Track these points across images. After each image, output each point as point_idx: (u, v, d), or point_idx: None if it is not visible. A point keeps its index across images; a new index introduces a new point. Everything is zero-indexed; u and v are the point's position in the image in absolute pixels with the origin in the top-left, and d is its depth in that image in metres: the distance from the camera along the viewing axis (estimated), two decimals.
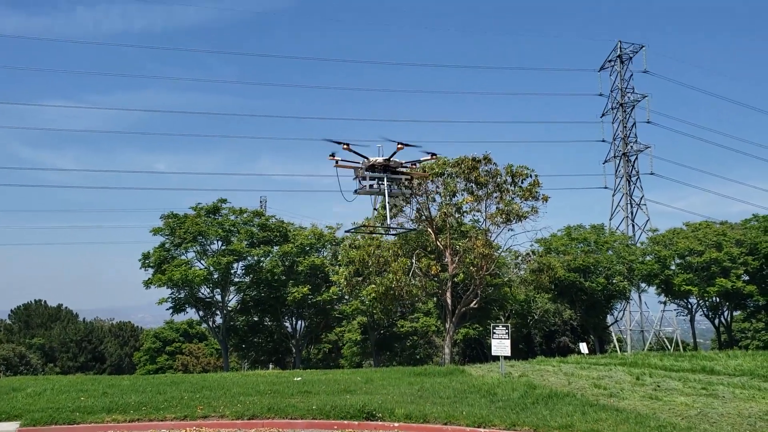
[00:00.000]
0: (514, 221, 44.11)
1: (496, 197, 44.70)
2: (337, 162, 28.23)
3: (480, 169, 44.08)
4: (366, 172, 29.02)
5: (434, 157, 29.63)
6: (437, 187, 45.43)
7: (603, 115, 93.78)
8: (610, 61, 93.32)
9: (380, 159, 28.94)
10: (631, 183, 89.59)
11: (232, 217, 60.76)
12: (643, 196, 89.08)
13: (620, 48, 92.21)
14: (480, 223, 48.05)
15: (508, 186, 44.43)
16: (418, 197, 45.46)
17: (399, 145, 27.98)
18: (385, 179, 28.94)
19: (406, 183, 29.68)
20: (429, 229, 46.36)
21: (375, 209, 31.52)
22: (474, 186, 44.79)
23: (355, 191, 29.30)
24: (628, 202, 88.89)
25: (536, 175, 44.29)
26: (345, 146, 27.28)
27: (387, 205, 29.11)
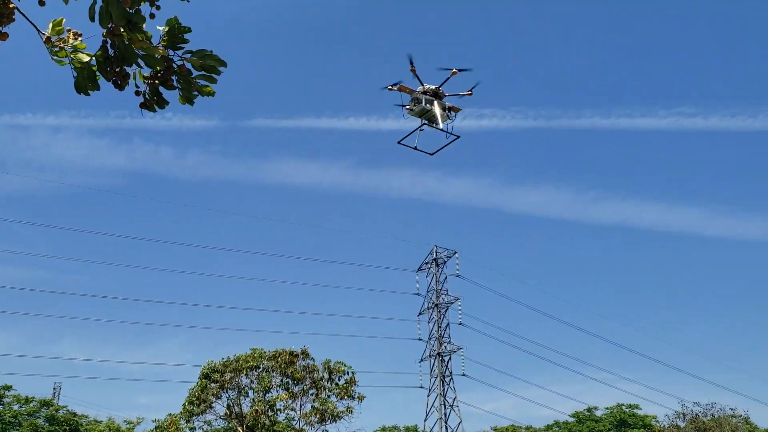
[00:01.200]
0: (329, 421, 42.48)
1: (312, 394, 43.15)
2: (399, 87, 44.56)
3: (297, 364, 42.76)
4: (422, 95, 45.07)
5: (471, 93, 45.68)
6: (251, 381, 43.24)
7: (420, 314, 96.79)
8: (427, 263, 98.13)
9: (432, 86, 45.38)
10: (445, 383, 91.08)
11: (16, 407, 53.83)
12: (455, 397, 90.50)
13: (436, 252, 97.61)
14: (295, 422, 45.75)
15: (325, 383, 43.22)
16: (229, 391, 42.83)
17: (453, 72, 44.71)
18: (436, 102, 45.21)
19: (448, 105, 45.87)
20: (239, 429, 43.32)
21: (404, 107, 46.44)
22: (290, 381, 43.11)
23: (408, 109, 45.71)
24: (442, 403, 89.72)
25: (353, 372, 43.68)
26: (407, 86, 45.50)
27: (439, 114, 45.40)
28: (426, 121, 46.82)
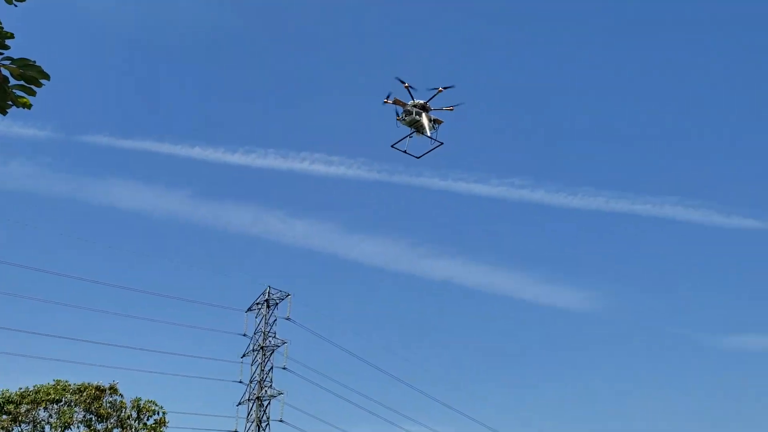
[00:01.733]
0: None
1: None
2: (395, 100, 54.02)
3: (104, 400, 40.06)
4: (412, 108, 54.36)
5: (452, 108, 55.65)
6: (50, 416, 39.89)
7: (244, 355, 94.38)
8: (258, 304, 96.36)
9: (421, 101, 54.86)
10: (261, 429, 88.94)
11: None
12: None
13: (269, 293, 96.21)
14: None
15: (133, 422, 40.75)
16: (23, 425, 39.19)
17: (439, 90, 54.49)
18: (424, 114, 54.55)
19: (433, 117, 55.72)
20: None
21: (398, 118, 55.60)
22: (94, 418, 40.23)
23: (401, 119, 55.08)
24: None
25: (164, 413, 41.60)
26: (401, 100, 54.60)
27: (426, 124, 55.23)
28: (414, 130, 56.76)
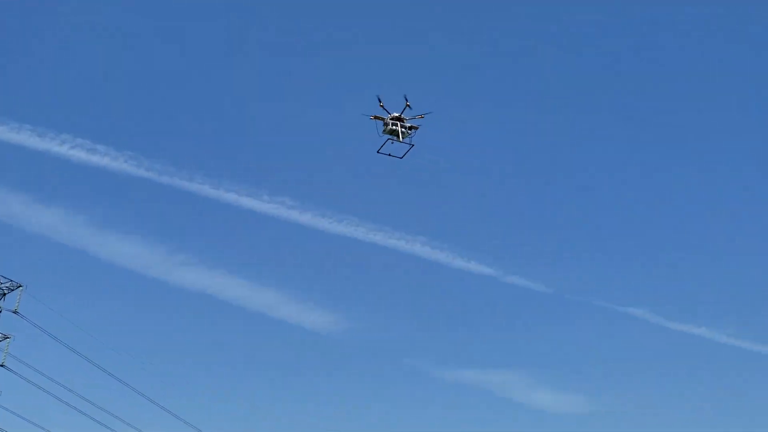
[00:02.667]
0: None
1: None
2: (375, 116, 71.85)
3: None
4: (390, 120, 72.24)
5: (423, 116, 72.74)
6: None
7: None
8: None
9: (396, 114, 72.41)
10: None
11: None
12: None
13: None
14: None
15: None
16: None
17: (407, 104, 71.90)
18: (399, 123, 72.49)
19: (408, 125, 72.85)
20: None
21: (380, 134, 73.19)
22: None
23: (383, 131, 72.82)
24: None
25: None
26: (380, 115, 72.72)
27: (401, 132, 72.75)
28: (393, 137, 72.91)
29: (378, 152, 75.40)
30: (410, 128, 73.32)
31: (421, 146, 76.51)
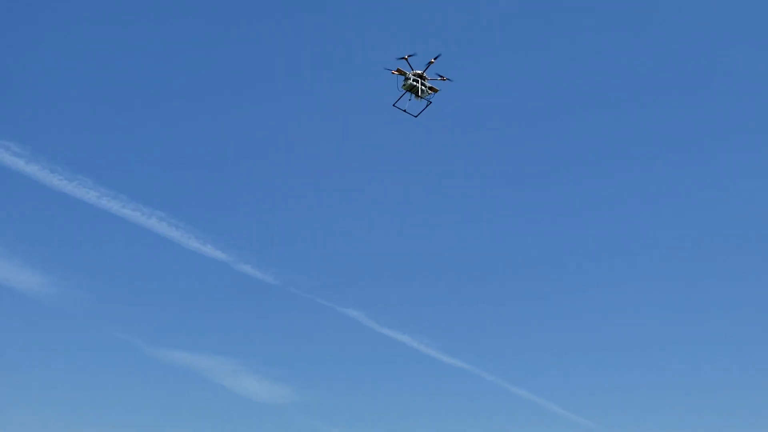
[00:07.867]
0: None
1: None
2: (398, 70, 72.14)
3: None
4: (412, 75, 72.49)
5: (445, 79, 73.26)
6: None
7: None
8: None
9: (419, 71, 72.75)
10: None
11: None
12: None
13: None
14: None
15: None
16: None
17: (432, 61, 71.97)
18: (420, 81, 73.43)
19: (429, 85, 73.59)
20: None
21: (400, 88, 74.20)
22: None
23: (402, 86, 73.30)
24: None
25: None
26: (403, 69, 73.55)
27: (421, 89, 73.67)
28: (412, 94, 74.38)
29: (393, 105, 76.29)
30: (431, 89, 74.38)
31: None
